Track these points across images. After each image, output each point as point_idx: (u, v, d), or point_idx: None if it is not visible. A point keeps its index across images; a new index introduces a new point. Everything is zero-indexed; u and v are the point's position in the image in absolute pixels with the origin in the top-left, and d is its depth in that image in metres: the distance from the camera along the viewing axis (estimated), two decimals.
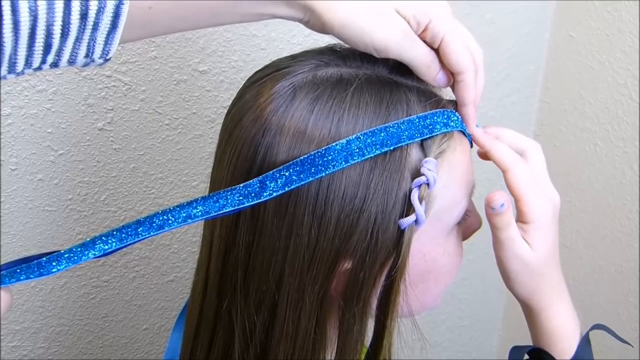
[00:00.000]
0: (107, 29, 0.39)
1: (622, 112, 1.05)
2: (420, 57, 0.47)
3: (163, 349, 0.97)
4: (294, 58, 0.49)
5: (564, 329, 0.56)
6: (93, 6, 0.39)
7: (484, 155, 0.58)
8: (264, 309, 0.48)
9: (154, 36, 0.45)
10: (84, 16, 0.39)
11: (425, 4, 0.46)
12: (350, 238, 0.45)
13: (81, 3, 0.38)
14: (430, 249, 0.50)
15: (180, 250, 0.93)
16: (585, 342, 0.56)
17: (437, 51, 0.48)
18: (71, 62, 0.40)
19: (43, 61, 0.39)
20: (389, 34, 0.45)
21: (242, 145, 0.46)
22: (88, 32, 0.39)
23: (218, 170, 0.49)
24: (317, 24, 0.45)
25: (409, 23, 0.45)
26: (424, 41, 0.47)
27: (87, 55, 0.40)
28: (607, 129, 1.08)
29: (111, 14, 0.39)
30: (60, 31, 0.38)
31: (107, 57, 0.42)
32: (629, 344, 0.58)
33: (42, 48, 0.38)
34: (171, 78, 0.82)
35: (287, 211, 0.45)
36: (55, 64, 0.40)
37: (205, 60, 0.83)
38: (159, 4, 0.41)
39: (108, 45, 0.41)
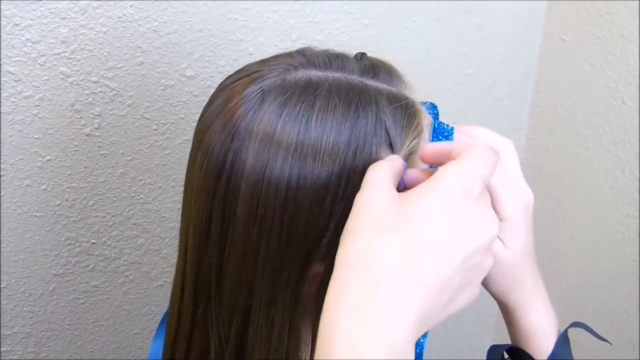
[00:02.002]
0: None
1: (614, 116, 1.05)
2: None
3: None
4: (264, 62, 0.49)
5: (540, 327, 0.56)
6: None
7: None
8: (237, 314, 0.48)
9: None
10: None
11: None
12: (320, 241, 0.45)
13: None
14: None
15: (170, 255, 0.93)
16: (563, 340, 0.56)
17: None
18: None
19: None
20: None
21: (212, 151, 0.46)
22: None
23: (190, 175, 0.49)
24: None
25: None
26: None
27: None
28: (599, 133, 1.08)
29: None
30: None
31: None
32: (607, 341, 0.58)
33: None
34: (158, 83, 0.82)
35: (257, 216, 0.45)
36: None
37: (193, 65, 0.83)
38: None
39: None
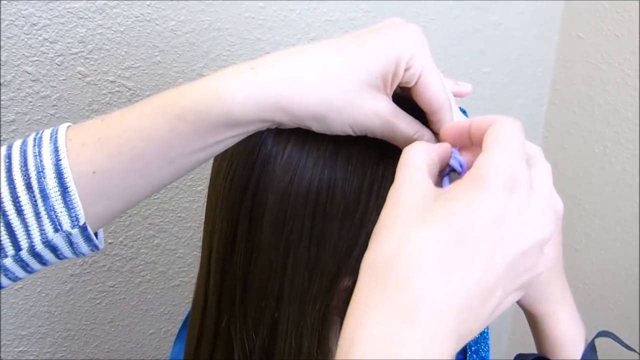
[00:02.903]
0: (58, 192, 0.38)
1: (632, 114, 1.04)
2: (402, 138, 0.42)
3: (169, 354, 0.97)
4: None
5: (568, 336, 0.55)
6: (32, 170, 0.38)
7: None
8: (264, 327, 0.47)
9: (131, 203, 0.43)
10: (28, 186, 0.38)
11: (400, 43, 0.40)
12: (350, 254, 0.44)
13: (21, 171, 0.38)
14: None
15: (186, 255, 0.93)
16: (590, 349, 0.55)
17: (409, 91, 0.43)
18: (45, 241, 0.39)
19: (17, 248, 0.39)
20: (366, 122, 0.41)
21: (239, 160, 0.45)
22: (40, 202, 0.38)
23: (215, 183, 0.48)
24: (288, 123, 0.41)
25: (387, 79, 0.41)
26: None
27: (56, 230, 0.39)
28: (617, 131, 1.07)
29: (53, 175, 0.38)
30: (14, 208, 0.38)
31: (81, 224, 0.39)
32: (635, 351, 0.57)
33: (4, 232, 0.38)
34: (175, 83, 0.81)
35: (285, 228, 0.44)
36: (32, 249, 0.39)
37: (210, 64, 0.83)
38: (102, 167, 0.39)
39: (72, 210, 0.39)
